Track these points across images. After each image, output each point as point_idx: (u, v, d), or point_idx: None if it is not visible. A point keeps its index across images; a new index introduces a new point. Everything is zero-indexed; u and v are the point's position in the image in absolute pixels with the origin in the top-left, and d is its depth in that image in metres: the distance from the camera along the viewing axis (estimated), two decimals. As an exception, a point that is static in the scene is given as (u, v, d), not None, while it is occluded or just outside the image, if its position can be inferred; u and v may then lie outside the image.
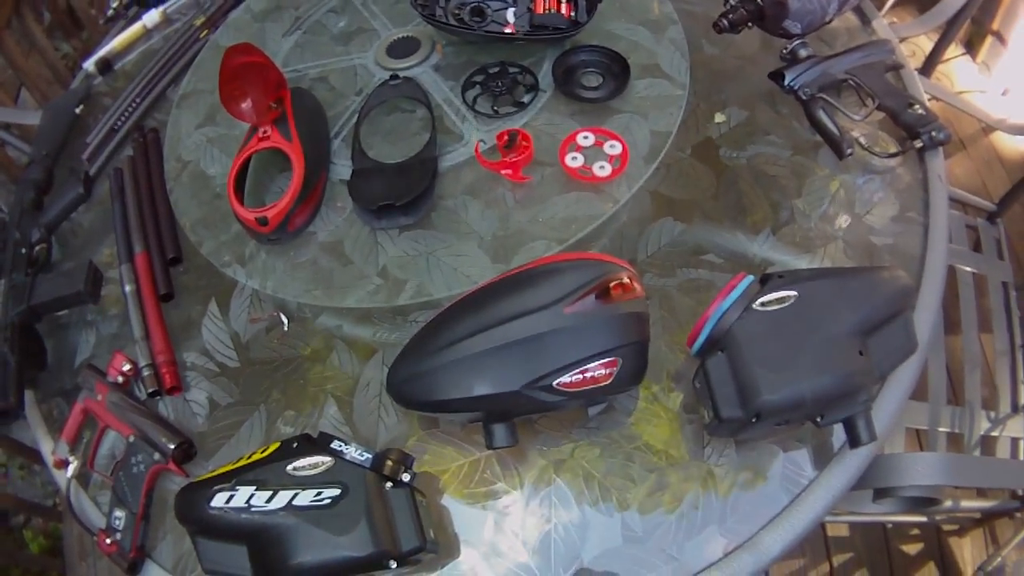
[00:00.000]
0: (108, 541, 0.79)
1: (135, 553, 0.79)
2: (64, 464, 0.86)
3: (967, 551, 1.41)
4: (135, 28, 1.31)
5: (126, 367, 0.88)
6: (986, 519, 1.39)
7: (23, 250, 0.99)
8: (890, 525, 1.44)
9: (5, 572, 1.67)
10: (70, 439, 0.87)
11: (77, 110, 1.21)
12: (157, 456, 0.81)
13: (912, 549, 1.44)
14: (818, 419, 0.69)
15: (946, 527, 1.43)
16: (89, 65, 1.29)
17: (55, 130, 1.17)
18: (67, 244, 1.09)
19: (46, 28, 1.71)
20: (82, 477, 0.87)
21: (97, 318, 0.99)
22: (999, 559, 1.23)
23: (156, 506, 0.82)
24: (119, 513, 0.80)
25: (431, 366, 0.72)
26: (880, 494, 0.94)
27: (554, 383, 0.68)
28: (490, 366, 0.69)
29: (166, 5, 1.32)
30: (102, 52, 1.30)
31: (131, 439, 0.83)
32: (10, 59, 1.53)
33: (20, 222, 1.02)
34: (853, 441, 0.70)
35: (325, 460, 0.70)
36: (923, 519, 1.32)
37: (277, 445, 0.73)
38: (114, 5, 1.35)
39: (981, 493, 1.20)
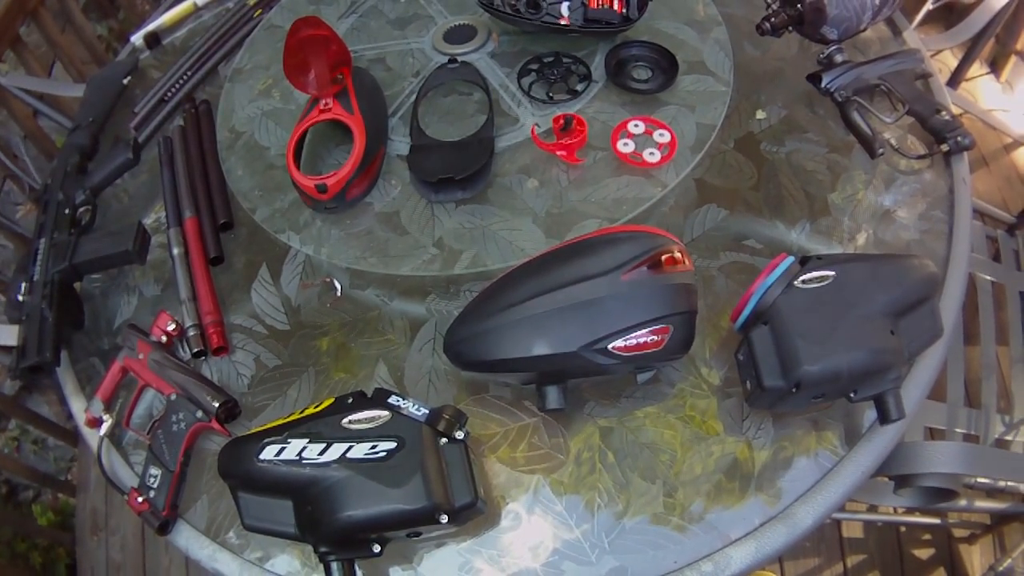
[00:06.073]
0: (140, 499, 0.82)
1: (168, 512, 0.82)
2: (97, 423, 0.90)
3: (976, 558, 1.49)
4: (185, 5, 1.38)
5: (171, 327, 0.91)
6: (995, 526, 1.47)
7: (66, 210, 1.03)
8: (903, 528, 1.51)
9: (12, 545, 1.71)
10: (105, 397, 0.90)
11: (125, 81, 1.27)
12: (200, 414, 0.84)
13: (923, 554, 1.51)
14: (852, 394, 0.75)
15: (957, 533, 1.50)
16: (137, 38, 1.36)
17: (102, 99, 1.23)
18: (109, 209, 1.13)
19: (82, 7, 1.77)
20: (113, 437, 0.91)
21: (140, 282, 1.04)
22: (1008, 561, 1.30)
23: (193, 467, 0.86)
24: (154, 471, 0.83)
25: (491, 326, 0.77)
26: (902, 482, 1.01)
27: (609, 346, 0.74)
28: (550, 327, 0.75)
29: (217, -16, 1.39)
30: (151, 26, 1.36)
31: (172, 397, 0.86)
32: (46, 34, 1.59)
33: (64, 184, 1.06)
34: (883, 417, 0.76)
35: (382, 414, 0.73)
36: (936, 521, 1.39)
37: (331, 400, 0.77)
38: (164, -18, 1.43)
39: (992, 495, 1.28)
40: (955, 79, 1.71)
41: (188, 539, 0.83)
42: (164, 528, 0.83)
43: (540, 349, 0.75)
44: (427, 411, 0.74)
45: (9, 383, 1.89)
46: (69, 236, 1.00)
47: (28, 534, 1.75)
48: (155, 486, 0.83)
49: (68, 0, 1.63)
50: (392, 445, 0.72)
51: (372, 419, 0.74)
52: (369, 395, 0.77)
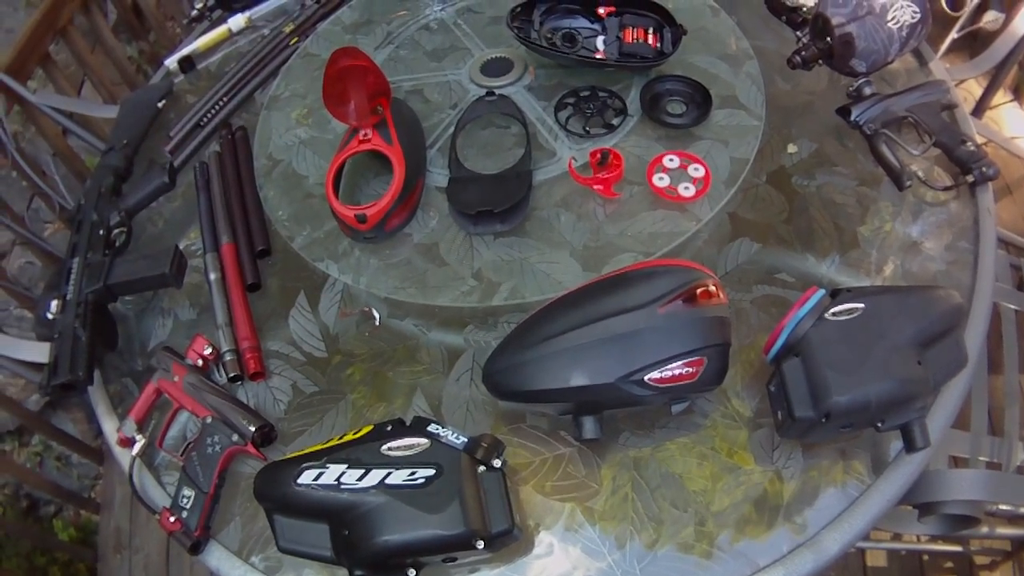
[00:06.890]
0: (172, 519, 0.85)
1: (200, 532, 0.85)
2: (130, 442, 0.93)
3: (998, 585, 1.51)
4: (220, 30, 1.42)
5: (207, 350, 0.94)
6: (1015, 552, 1.49)
7: (100, 231, 1.06)
8: (927, 557, 1.53)
9: (31, 559, 1.74)
10: (139, 418, 0.93)
11: (160, 104, 1.30)
12: (235, 438, 0.87)
13: (946, 581, 1.54)
14: (879, 424, 0.78)
15: (978, 560, 1.52)
16: (171, 62, 1.39)
17: (136, 121, 1.27)
18: (143, 233, 1.16)
19: (112, 28, 1.82)
20: (144, 457, 0.93)
21: (174, 306, 1.07)
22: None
23: (227, 489, 0.89)
24: (188, 492, 0.86)
25: (530, 357, 0.81)
26: (926, 510, 1.04)
27: (646, 377, 0.77)
28: (588, 359, 0.79)
29: (252, 11, 1.43)
30: (185, 51, 1.40)
31: (208, 420, 0.89)
32: (76, 53, 1.64)
33: (98, 204, 1.09)
34: (909, 446, 0.80)
35: (421, 442, 0.77)
36: (958, 549, 1.42)
37: (370, 428, 0.80)
38: (198, 6, 1.46)
39: (1012, 522, 1.30)
40: (979, 108, 1.75)
41: (220, 560, 0.86)
42: (196, 548, 0.86)
43: (578, 380, 0.79)
44: (466, 439, 0.77)
45: (36, 398, 1.93)
46: (103, 257, 1.03)
47: (48, 548, 1.77)
48: (188, 506, 0.86)
49: (98, 20, 1.68)
50: (431, 472, 0.75)
51: (411, 446, 0.77)
52: (408, 423, 0.80)
